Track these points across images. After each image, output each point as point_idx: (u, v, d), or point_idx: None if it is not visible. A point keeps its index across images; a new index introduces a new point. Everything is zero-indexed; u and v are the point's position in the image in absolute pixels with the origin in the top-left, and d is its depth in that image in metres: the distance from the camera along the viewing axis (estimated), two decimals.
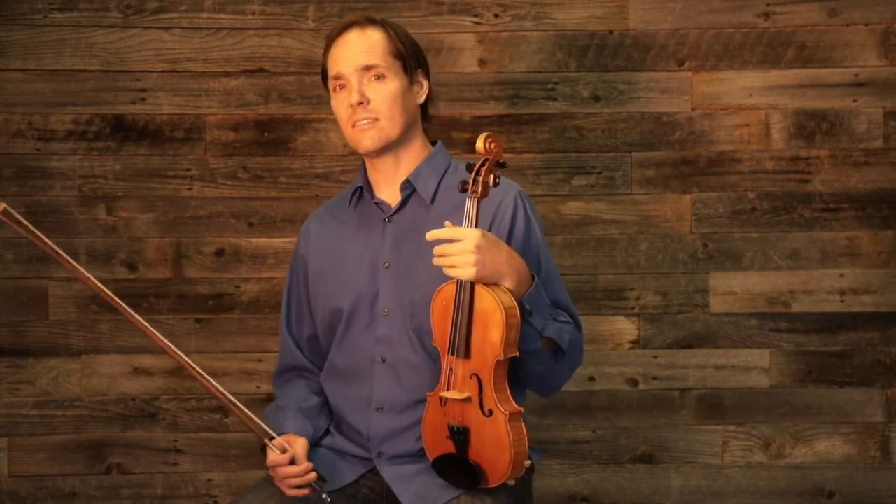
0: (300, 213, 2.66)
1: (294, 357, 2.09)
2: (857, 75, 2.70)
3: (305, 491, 1.84)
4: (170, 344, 1.77)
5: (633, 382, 2.74)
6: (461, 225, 1.73)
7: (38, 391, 2.69)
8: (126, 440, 2.71)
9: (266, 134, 2.70)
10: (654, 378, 2.74)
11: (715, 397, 2.74)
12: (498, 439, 1.73)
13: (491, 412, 1.73)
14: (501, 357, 1.71)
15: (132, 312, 1.76)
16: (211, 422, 2.72)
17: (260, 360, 2.70)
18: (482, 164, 1.73)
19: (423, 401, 1.87)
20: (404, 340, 1.90)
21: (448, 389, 1.77)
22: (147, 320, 2.62)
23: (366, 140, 1.91)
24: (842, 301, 2.72)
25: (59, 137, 2.66)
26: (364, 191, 2.01)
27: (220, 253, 2.71)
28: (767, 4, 2.69)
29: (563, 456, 2.74)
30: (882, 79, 2.69)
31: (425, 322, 1.87)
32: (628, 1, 2.69)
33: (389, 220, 1.96)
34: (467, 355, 1.74)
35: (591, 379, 2.73)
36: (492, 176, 1.73)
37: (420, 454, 1.89)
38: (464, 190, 1.74)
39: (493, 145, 1.74)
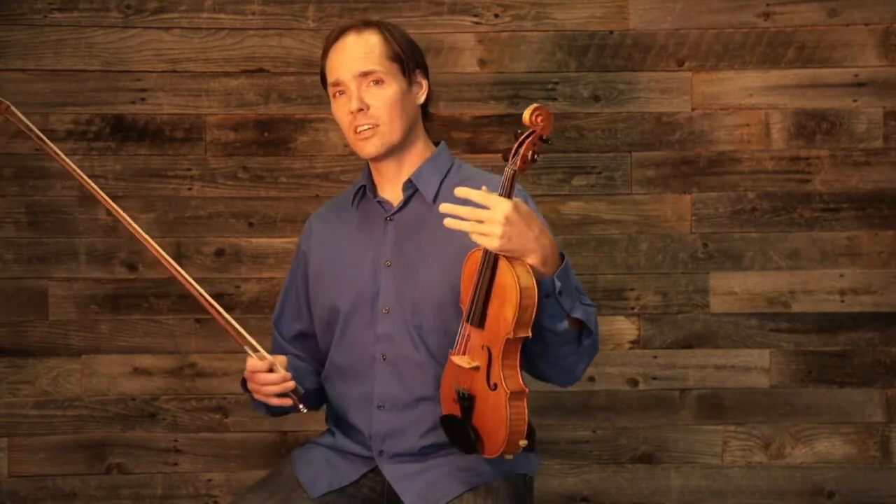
0: (300, 213, 2.66)
1: (283, 349, 2.09)
2: (857, 75, 2.70)
3: (287, 400, 1.84)
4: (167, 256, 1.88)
5: (633, 382, 2.74)
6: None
7: (38, 391, 2.69)
8: (126, 440, 2.71)
9: (266, 134, 2.70)
10: (654, 378, 2.73)
11: (715, 397, 2.74)
12: (497, 414, 1.71)
13: (496, 386, 1.71)
14: (511, 336, 1.68)
15: (130, 220, 1.87)
16: (211, 422, 2.72)
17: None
18: (527, 136, 1.67)
19: (424, 398, 1.88)
20: (405, 338, 1.90)
21: (461, 355, 1.77)
22: (147, 320, 2.70)
23: (369, 147, 1.91)
24: (842, 301, 2.72)
25: (59, 137, 2.66)
26: (367, 190, 2.01)
27: (220, 253, 2.71)
28: (767, 4, 2.69)
29: (563, 456, 2.74)
30: (882, 79, 2.69)
31: (426, 320, 1.88)
32: (628, 1, 2.69)
33: (391, 219, 1.96)
34: (482, 325, 1.72)
35: (592, 379, 2.73)
36: (531, 151, 1.67)
37: (422, 452, 1.89)
38: (505, 159, 1.68)
39: (539, 118, 1.66)
